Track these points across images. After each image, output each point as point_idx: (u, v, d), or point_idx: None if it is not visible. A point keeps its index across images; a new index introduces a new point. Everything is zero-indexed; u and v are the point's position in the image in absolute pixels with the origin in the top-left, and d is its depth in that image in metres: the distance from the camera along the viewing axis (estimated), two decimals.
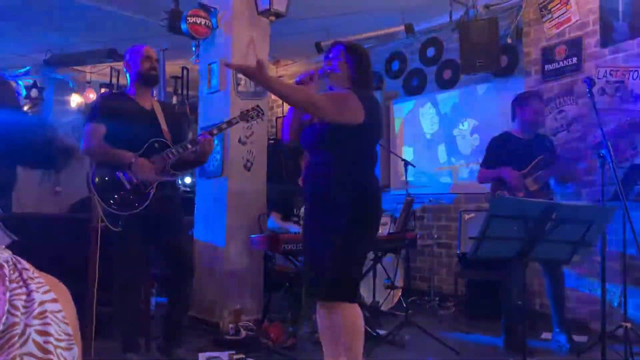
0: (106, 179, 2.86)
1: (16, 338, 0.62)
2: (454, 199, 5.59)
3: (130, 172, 2.85)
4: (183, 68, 7.09)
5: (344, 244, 2.35)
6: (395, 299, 4.76)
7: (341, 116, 2.36)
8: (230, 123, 3.14)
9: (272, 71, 7.13)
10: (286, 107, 7.68)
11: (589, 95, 2.99)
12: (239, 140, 4.25)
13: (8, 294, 0.64)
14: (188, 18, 4.17)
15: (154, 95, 4.48)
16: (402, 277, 4.83)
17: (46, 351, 0.64)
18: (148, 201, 2.87)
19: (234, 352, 3.21)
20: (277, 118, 7.83)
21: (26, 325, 0.63)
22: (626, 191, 3.27)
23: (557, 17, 4.55)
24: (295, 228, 3.83)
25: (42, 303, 0.66)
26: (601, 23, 4.25)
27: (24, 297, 0.65)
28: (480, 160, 4.00)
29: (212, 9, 4.31)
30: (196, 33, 4.24)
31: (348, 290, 2.41)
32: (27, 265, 0.69)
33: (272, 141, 6.32)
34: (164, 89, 5.62)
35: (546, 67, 4.62)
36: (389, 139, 6.12)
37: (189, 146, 2.98)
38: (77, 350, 0.68)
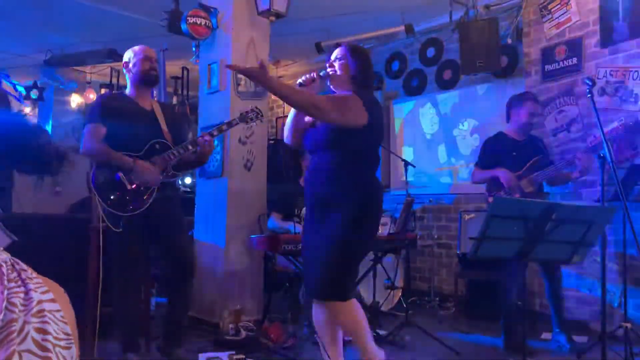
0: (107, 179, 2.86)
1: (15, 334, 0.63)
2: (454, 199, 5.60)
3: (133, 176, 2.85)
4: (183, 68, 7.09)
5: (345, 245, 2.35)
6: (396, 300, 4.76)
7: (343, 119, 2.36)
8: (230, 124, 3.15)
9: (272, 71, 7.13)
10: (287, 107, 7.69)
11: (589, 95, 2.99)
12: (239, 141, 4.25)
13: (6, 292, 0.65)
14: (188, 18, 4.17)
15: (154, 95, 4.48)
16: (402, 277, 4.83)
17: (45, 349, 0.64)
18: (149, 202, 2.87)
19: (234, 352, 3.21)
20: (277, 118, 7.84)
21: (25, 323, 0.64)
22: (626, 191, 3.27)
23: (557, 17, 4.55)
24: (295, 228, 3.83)
25: (40, 302, 0.67)
26: (601, 23, 4.25)
27: (22, 295, 0.66)
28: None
29: (212, 9, 4.31)
30: (196, 33, 4.24)
31: (347, 290, 2.42)
32: (25, 267, 0.70)
33: (272, 141, 6.32)
34: (164, 89, 5.62)
35: (546, 67, 4.62)
36: (389, 139, 6.12)
37: (190, 147, 2.98)
38: (75, 350, 0.68)
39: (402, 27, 5.30)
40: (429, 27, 5.66)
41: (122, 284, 2.92)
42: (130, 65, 3.06)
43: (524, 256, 2.31)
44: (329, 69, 2.54)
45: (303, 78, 2.49)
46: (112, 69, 7.13)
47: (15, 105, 6.79)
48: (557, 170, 3.66)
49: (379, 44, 5.90)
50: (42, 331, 0.65)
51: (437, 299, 5.18)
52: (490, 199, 3.75)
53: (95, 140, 2.89)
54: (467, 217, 4.82)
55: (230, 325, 3.80)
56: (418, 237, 4.70)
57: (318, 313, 2.51)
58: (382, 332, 3.74)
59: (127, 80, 3.12)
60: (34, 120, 7.54)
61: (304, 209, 4.03)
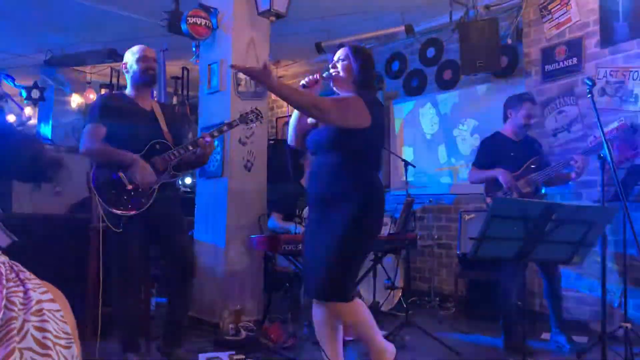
0: (107, 179, 2.86)
1: (14, 332, 0.63)
2: (454, 200, 5.59)
3: (130, 172, 2.84)
4: (183, 68, 7.09)
5: (346, 245, 2.35)
6: (396, 300, 4.76)
7: (346, 120, 2.37)
8: (230, 125, 3.15)
9: (272, 72, 7.13)
10: (287, 107, 7.70)
11: (589, 95, 2.99)
12: (239, 141, 4.25)
13: (5, 291, 0.65)
14: (188, 18, 4.17)
15: (154, 96, 4.48)
16: (402, 277, 4.82)
17: (45, 346, 0.65)
18: (149, 202, 2.87)
19: (234, 352, 3.21)
20: (277, 118, 7.84)
21: (24, 321, 0.65)
22: (626, 192, 3.27)
23: (557, 17, 4.55)
24: (296, 228, 3.83)
25: (39, 302, 0.68)
26: (601, 23, 4.25)
27: (21, 294, 0.67)
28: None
29: (212, 10, 4.31)
30: (196, 33, 4.24)
31: (348, 290, 2.43)
32: (24, 269, 0.71)
33: (272, 142, 6.32)
34: (164, 90, 5.62)
35: (546, 67, 4.62)
36: (389, 139, 6.12)
37: (190, 147, 2.98)
38: (75, 349, 0.69)
39: (402, 27, 5.30)
40: (429, 27, 5.66)
41: (122, 284, 2.92)
42: (129, 65, 3.07)
43: (524, 256, 2.31)
44: (331, 70, 2.54)
45: (306, 79, 2.49)
46: (112, 69, 7.13)
47: (14, 107, 6.80)
48: (554, 171, 3.66)
49: (379, 44, 5.90)
50: (42, 329, 0.66)
51: (437, 299, 5.18)
52: (489, 200, 3.75)
53: (95, 140, 2.89)
54: (467, 217, 4.82)
55: (230, 325, 3.80)
56: (418, 237, 4.70)
57: (317, 313, 2.52)
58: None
59: (127, 80, 3.12)
60: (33, 121, 7.55)
61: (305, 209, 4.04)
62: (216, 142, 3.71)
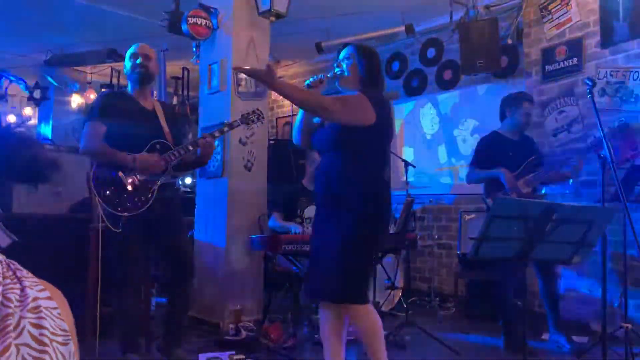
0: (107, 179, 2.84)
1: (11, 328, 0.64)
2: (454, 200, 5.59)
3: (134, 173, 2.83)
4: (183, 69, 7.09)
5: (356, 245, 2.35)
6: (396, 300, 4.76)
7: (351, 119, 2.37)
8: (231, 126, 3.14)
9: None
10: (287, 107, 7.70)
11: (589, 95, 2.99)
12: (240, 141, 4.25)
13: (1, 288, 0.66)
14: (188, 18, 4.17)
15: (154, 95, 4.48)
16: (403, 277, 4.83)
17: (42, 343, 0.65)
18: (149, 203, 2.86)
19: (234, 352, 3.21)
20: (277, 118, 7.84)
21: (21, 318, 0.65)
22: (626, 192, 3.27)
23: (558, 17, 4.55)
24: (297, 228, 3.82)
25: (36, 299, 0.68)
26: (601, 24, 4.25)
27: (17, 291, 0.67)
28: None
29: (212, 10, 4.31)
30: (197, 34, 4.24)
31: (364, 292, 2.43)
32: (21, 267, 0.71)
33: (273, 141, 6.32)
34: (164, 90, 5.62)
35: (546, 67, 4.62)
36: None
37: (191, 148, 2.97)
38: (73, 346, 0.69)
39: (403, 27, 5.30)
40: (429, 27, 5.66)
41: (122, 284, 2.92)
42: (124, 63, 3.08)
43: (524, 256, 2.31)
44: (336, 69, 2.54)
45: (311, 79, 2.49)
46: (112, 69, 7.13)
47: (15, 106, 6.80)
48: (553, 171, 3.66)
49: (379, 44, 5.89)
50: (39, 326, 0.66)
51: (437, 299, 5.17)
52: (490, 200, 3.75)
53: (95, 139, 2.88)
54: (467, 217, 4.82)
55: (231, 326, 3.80)
56: (418, 237, 4.70)
57: (324, 314, 2.51)
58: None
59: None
60: (33, 121, 7.56)
61: (306, 209, 4.04)
62: (216, 142, 3.71)
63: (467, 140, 5.57)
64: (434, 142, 5.90)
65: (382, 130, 2.47)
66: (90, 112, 3.03)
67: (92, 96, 7.23)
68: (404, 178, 4.55)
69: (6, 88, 6.13)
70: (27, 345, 0.63)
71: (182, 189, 6.31)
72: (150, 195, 2.87)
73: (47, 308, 0.68)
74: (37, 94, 6.86)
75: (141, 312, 3.22)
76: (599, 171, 3.07)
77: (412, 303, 5.04)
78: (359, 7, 5.14)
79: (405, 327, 3.76)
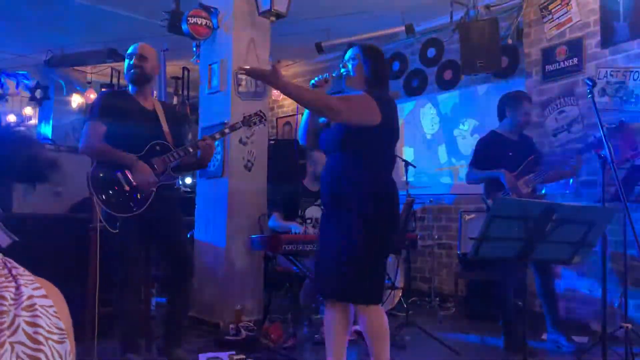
0: (105, 178, 2.83)
1: (5, 326, 0.64)
2: (455, 200, 5.59)
3: (130, 173, 2.83)
4: (184, 68, 7.09)
5: (373, 246, 2.35)
6: (396, 300, 4.76)
7: (357, 119, 2.38)
8: (233, 128, 3.14)
9: None
10: (287, 107, 7.70)
11: (589, 96, 2.99)
12: (240, 141, 4.25)
13: None
14: (189, 18, 4.17)
15: (154, 95, 4.47)
16: (403, 277, 4.82)
17: (37, 341, 0.65)
18: (146, 203, 2.85)
19: (234, 352, 3.21)
20: (277, 118, 7.84)
21: (15, 316, 0.65)
22: (626, 192, 3.27)
23: (558, 17, 4.55)
24: (297, 228, 3.82)
25: (31, 297, 0.68)
26: (602, 24, 4.25)
27: (12, 290, 0.67)
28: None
29: (212, 9, 4.31)
30: (197, 33, 4.24)
31: (380, 292, 2.44)
32: (17, 265, 0.71)
33: (273, 141, 6.32)
34: (164, 90, 5.62)
35: (547, 67, 4.62)
36: None
37: (190, 150, 2.96)
38: (69, 344, 0.69)
39: (403, 27, 5.30)
40: (429, 27, 5.66)
41: (122, 284, 2.91)
42: (124, 64, 3.07)
43: (525, 256, 2.31)
44: (342, 70, 2.54)
45: (316, 79, 2.50)
46: (112, 69, 7.14)
47: (16, 105, 6.80)
48: (552, 171, 3.66)
49: (379, 44, 5.88)
50: (34, 324, 0.66)
51: (438, 299, 5.17)
52: (490, 201, 3.74)
53: (94, 138, 2.87)
54: (467, 217, 4.82)
55: (231, 326, 3.80)
56: (418, 237, 4.69)
57: (330, 313, 2.50)
58: None
59: None
60: (33, 121, 7.56)
61: (307, 209, 4.04)
62: (216, 143, 3.70)
63: (467, 140, 5.56)
64: (434, 142, 5.90)
65: (388, 130, 2.47)
66: (90, 111, 3.03)
67: (92, 96, 7.23)
68: (404, 178, 4.54)
69: (8, 87, 6.14)
70: (22, 343, 0.63)
71: (183, 189, 6.31)
72: (148, 195, 2.86)
73: (43, 306, 0.68)
74: (38, 93, 6.87)
75: (141, 312, 3.22)
76: (599, 171, 3.07)
77: (412, 303, 5.04)
78: (359, 7, 5.13)
79: (405, 327, 3.76)
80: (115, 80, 7.25)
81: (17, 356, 0.62)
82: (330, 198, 2.50)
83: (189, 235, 4.36)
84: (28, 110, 7.79)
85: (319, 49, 5.71)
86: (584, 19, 4.38)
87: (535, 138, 4.28)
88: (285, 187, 4.42)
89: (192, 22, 4.18)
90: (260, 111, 3.22)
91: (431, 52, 5.96)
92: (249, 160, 4.28)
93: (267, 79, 2.30)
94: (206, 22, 4.26)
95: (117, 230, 2.79)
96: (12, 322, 0.64)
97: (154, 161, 2.90)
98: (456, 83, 5.73)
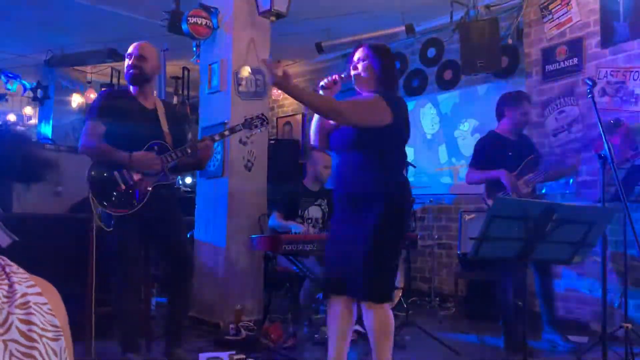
0: (102, 177, 2.83)
1: None
2: (455, 200, 5.59)
3: (131, 171, 2.83)
4: (184, 68, 7.09)
5: (386, 245, 2.36)
6: (396, 300, 4.75)
7: (365, 121, 2.39)
8: (232, 130, 3.13)
9: None
10: (287, 107, 7.69)
11: (589, 96, 2.99)
12: (240, 141, 4.23)
13: None
14: (189, 18, 4.17)
15: (154, 94, 4.46)
16: (403, 277, 4.82)
17: (31, 339, 0.65)
18: (143, 202, 2.84)
19: (234, 352, 3.20)
20: (277, 118, 7.84)
21: (9, 314, 0.65)
22: (626, 192, 3.27)
23: (558, 17, 4.54)
24: (297, 227, 3.82)
25: (24, 295, 0.68)
26: (602, 24, 4.25)
27: (6, 287, 0.67)
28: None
29: (212, 9, 4.31)
30: (197, 33, 4.24)
31: (391, 291, 2.46)
32: (11, 263, 0.71)
33: (273, 141, 6.32)
34: (164, 90, 5.62)
35: (547, 67, 4.62)
36: None
37: (189, 151, 2.96)
38: (64, 342, 0.69)
39: (403, 27, 5.29)
40: (429, 27, 5.66)
41: (121, 284, 2.91)
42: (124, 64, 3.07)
43: (525, 256, 2.31)
44: (352, 71, 2.54)
45: (325, 80, 2.50)
46: (112, 69, 7.13)
47: (16, 105, 6.80)
48: (552, 170, 3.67)
49: None
50: (28, 322, 0.66)
51: (438, 299, 5.17)
52: (490, 201, 3.74)
53: (93, 137, 2.88)
54: (467, 217, 4.82)
55: (231, 325, 3.80)
56: (418, 237, 4.69)
57: (334, 310, 2.51)
58: None
59: None
60: (33, 121, 7.56)
61: (309, 209, 4.04)
62: (216, 144, 3.70)
63: (468, 140, 5.56)
64: (434, 142, 5.90)
65: (399, 130, 2.47)
66: (90, 111, 3.03)
67: (92, 96, 7.23)
68: None
69: (6, 87, 6.14)
70: (16, 341, 0.63)
71: (183, 188, 6.31)
72: (143, 195, 2.85)
73: (37, 304, 0.68)
74: (38, 93, 6.88)
75: (141, 311, 3.22)
76: (599, 171, 3.07)
77: (412, 303, 5.04)
78: (359, 7, 5.13)
79: (405, 327, 3.76)
80: (115, 80, 7.25)
81: (11, 354, 0.62)
82: (342, 199, 2.51)
83: (189, 235, 4.36)
84: (28, 110, 7.79)
85: (319, 49, 5.71)
86: (584, 19, 4.38)
87: (535, 138, 4.28)
88: (285, 187, 4.42)
89: (192, 22, 4.18)
90: (263, 114, 3.22)
91: (431, 52, 5.96)
92: (249, 160, 4.28)
93: (277, 83, 2.30)
94: (206, 22, 4.26)
95: (111, 229, 2.79)
96: (6, 320, 0.64)
97: None
98: (456, 83, 5.73)
